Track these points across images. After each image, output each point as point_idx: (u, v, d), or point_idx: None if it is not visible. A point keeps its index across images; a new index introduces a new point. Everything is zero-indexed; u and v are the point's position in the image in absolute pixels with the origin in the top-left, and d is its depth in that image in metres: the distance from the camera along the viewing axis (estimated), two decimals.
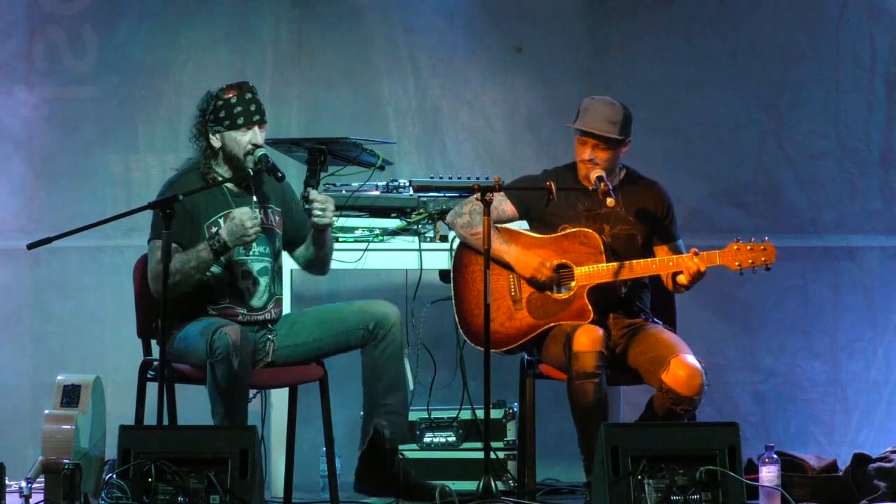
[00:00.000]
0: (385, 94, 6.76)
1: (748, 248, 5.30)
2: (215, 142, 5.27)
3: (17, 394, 6.56)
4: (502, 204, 5.48)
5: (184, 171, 5.31)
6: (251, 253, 5.29)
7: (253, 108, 5.24)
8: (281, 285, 5.41)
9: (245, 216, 5.14)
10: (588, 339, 5.15)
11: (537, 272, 5.36)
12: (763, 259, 5.30)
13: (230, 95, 5.24)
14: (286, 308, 5.58)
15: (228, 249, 5.16)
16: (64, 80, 6.65)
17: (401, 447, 5.35)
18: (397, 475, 5.24)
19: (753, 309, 6.72)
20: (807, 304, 6.75)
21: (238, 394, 5.04)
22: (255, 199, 5.33)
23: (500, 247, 5.39)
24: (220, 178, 5.27)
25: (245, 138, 5.23)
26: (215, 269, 5.24)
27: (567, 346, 5.18)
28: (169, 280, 4.98)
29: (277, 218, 5.38)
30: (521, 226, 5.56)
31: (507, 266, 5.41)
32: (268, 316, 5.32)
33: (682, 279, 5.31)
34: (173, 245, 5.06)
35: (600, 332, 5.20)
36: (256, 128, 5.24)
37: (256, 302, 5.29)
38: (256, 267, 5.30)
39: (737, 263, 5.29)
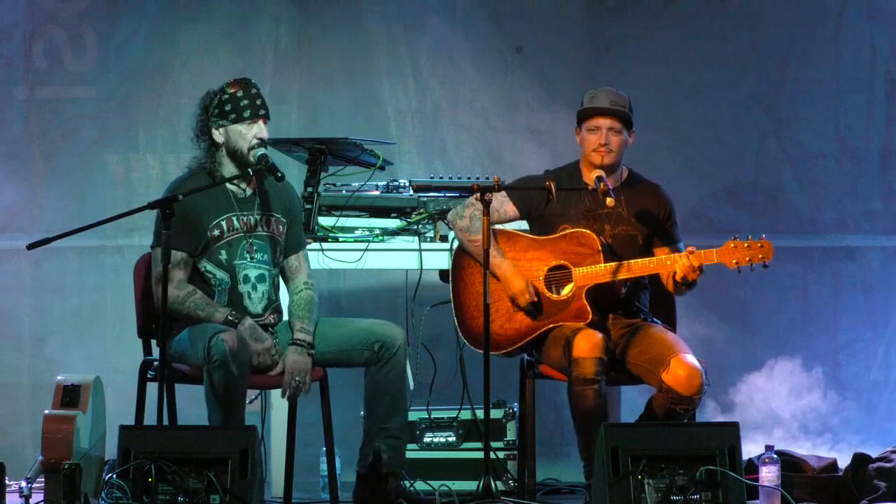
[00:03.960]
0: (385, 94, 6.76)
1: (745, 245, 5.29)
2: (218, 137, 5.26)
3: (17, 394, 6.56)
4: (504, 205, 5.47)
5: (191, 172, 5.31)
6: (251, 259, 5.28)
7: (258, 102, 5.25)
8: (279, 292, 5.39)
9: (264, 345, 5.17)
10: (588, 344, 5.15)
11: (519, 296, 5.35)
12: (760, 256, 5.28)
13: (235, 90, 5.24)
14: (286, 311, 5.57)
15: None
16: (64, 80, 6.65)
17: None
18: (394, 497, 5.23)
19: (753, 309, 6.72)
20: (807, 304, 6.75)
21: (235, 400, 5.04)
22: (258, 202, 5.33)
23: (493, 259, 5.36)
24: (224, 177, 5.26)
25: (251, 132, 5.23)
26: (216, 271, 5.24)
27: (567, 350, 5.18)
28: (174, 307, 5.11)
29: (280, 227, 5.37)
30: (522, 226, 5.56)
31: (498, 279, 5.41)
32: (265, 322, 5.31)
33: (678, 276, 5.29)
34: (181, 255, 5.13)
35: (600, 337, 5.19)
36: (261, 122, 5.25)
37: (254, 307, 5.28)
38: (254, 273, 5.29)
39: (734, 261, 5.28)
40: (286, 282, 5.43)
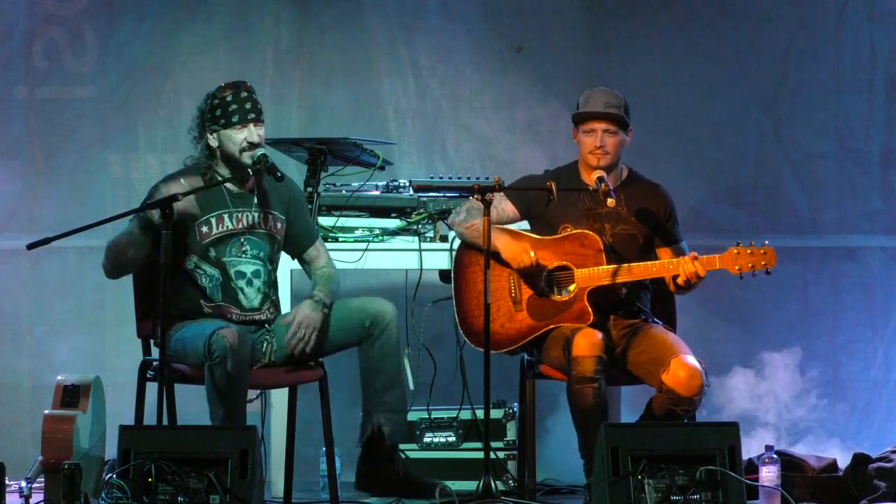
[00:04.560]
0: (385, 94, 6.76)
1: (748, 252, 5.29)
2: (213, 141, 5.26)
3: (17, 394, 6.56)
4: (502, 203, 5.48)
5: (186, 168, 5.30)
6: (243, 255, 5.29)
7: (248, 105, 5.23)
8: (276, 289, 5.39)
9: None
10: (587, 343, 5.15)
11: (518, 255, 5.34)
12: (763, 263, 5.29)
13: (226, 94, 5.24)
14: (285, 308, 5.57)
15: (153, 226, 5.15)
16: (64, 80, 6.65)
17: (402, 447, 5.37)
18: (397, 473, 5.24)
19: (753, 309, 6.72)
20: (807, 304, 6.75)
21: (237, 396, 5.03)
22: (255, 199, 5.33)
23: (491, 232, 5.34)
24: (220, 177, 5.26)
25: (240, 136, 5.22)
26: (206, 267, 5.24)
27: (566, 349, 5.18)
28: (110, 248, 5.21)
29: (279, 224, 5.37)
30: (522, 226, 5.56)
31: (496, 254, 5.39)
32: (262, 317, 5.31)
33: (679, 280, 5.30)
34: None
35: (599, 336, 5.19)
36: (252, 126, 5.22)
37: (249, 303, 5.28)
38: (249, 269, 5.29)
39: (737, 268, 5.28)
40: (308, 271, 5.43)
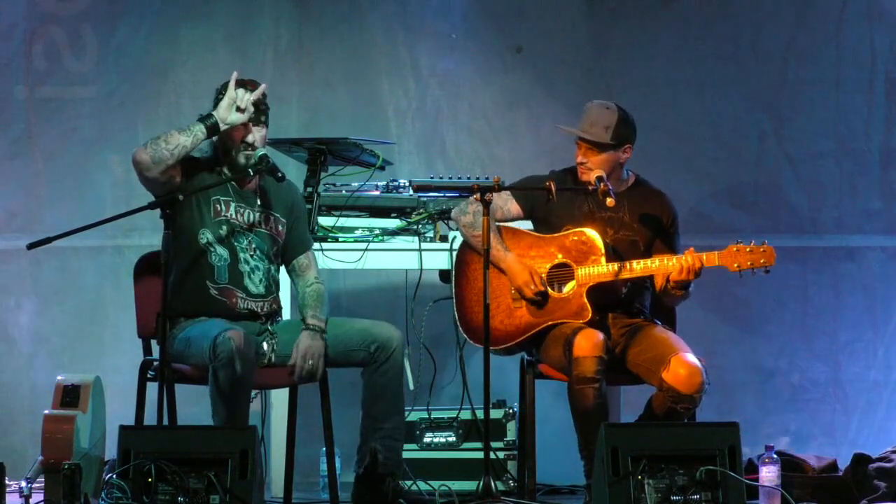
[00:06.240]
0: (385, 95, 6.76)
1: (748, 249, 5.29)
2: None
3: (17, 394, 6.56)
4: (508, 203, 5.49)
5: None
6: (249, 249, 5.28)
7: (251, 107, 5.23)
8: (278, 288, 5.39)
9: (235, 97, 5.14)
10: (588, 343, 5.15)
11: (524, 287, 5.37)
12: (762, 261, 5.29)
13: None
14: (286, 307, 5.57)
15: (218, 129, 5.13)
16: (64, 80, 6.65)
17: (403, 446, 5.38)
18: (392, 498, 5.23)
19: (753, 309, 6.72)
20: (807, 304, 6.75)
21: (240, 398, 5.02)
22: (258, 202, 5.32)
23: (497, 253, 5.39)
24: (224, 172, 5.26)
25: (238, 135, 5.22)
26: (216, 245, 5.23)
27: (567, 349, 5.18)
28: (155, 147, 5.07)
29: (280, 227, 5.37)
30: (526, 225, 5.56)
31: (503, 272, 5.43)
32: (265, 308, 5.31)
33: (674, 276, 5.28)
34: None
35: (600, 336, 5.19)
36: (252, 126, 5.22)
37: (255, 288, 5.28)
38: (252, 262, 5.30)
39: (736, 265, 5.28)
40: (295, 279, 5.43)
